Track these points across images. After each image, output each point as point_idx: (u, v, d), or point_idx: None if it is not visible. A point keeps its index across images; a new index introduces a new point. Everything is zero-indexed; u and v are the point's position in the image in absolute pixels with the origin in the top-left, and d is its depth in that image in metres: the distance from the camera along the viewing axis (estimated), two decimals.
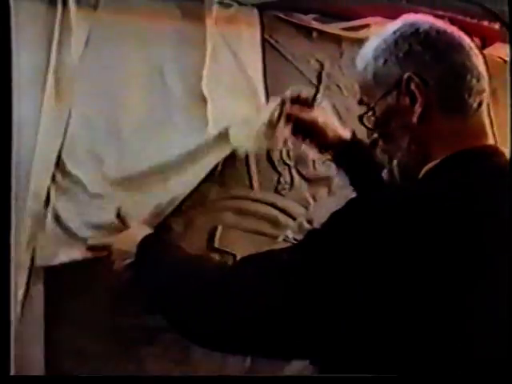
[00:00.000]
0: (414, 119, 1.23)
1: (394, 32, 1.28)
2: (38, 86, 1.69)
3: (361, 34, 2.01)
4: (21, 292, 1.63)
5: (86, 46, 1.73)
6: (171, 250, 1.51)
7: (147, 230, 1.59)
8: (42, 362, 1.66)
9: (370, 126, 1.33)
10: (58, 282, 1.70)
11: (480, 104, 1.25)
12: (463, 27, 1.31)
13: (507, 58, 2.14)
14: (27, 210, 1.63)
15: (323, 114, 1.77)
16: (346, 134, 1.78)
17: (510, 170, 1.25)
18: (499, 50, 2.17)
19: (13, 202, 1.60)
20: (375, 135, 1.34)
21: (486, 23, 2.09)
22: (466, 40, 1.27)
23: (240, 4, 1.87)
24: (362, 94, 1.36)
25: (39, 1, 1.69)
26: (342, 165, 1.83)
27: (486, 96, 1.27)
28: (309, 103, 1.75)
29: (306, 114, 1.74)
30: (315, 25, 1.98)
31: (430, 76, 1.23)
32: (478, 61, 1.26)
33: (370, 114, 1.31)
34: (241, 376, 1.75)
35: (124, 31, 1.77)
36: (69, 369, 1.73)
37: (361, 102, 1.36)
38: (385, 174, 1.34)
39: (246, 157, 1.89)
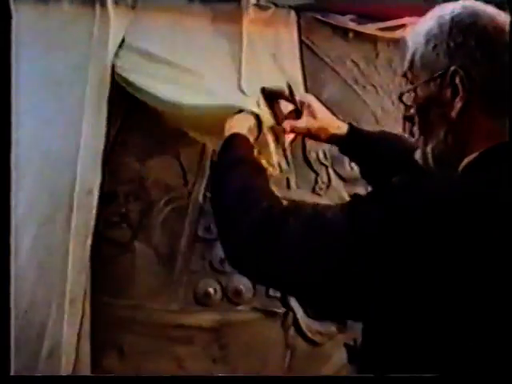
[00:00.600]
0: (453, 114, 1.20)
1: (452, 18, 1.21)
2: (78, 85, 1.72)
3: (397, 34, 2.01)
4: (67, 287, 1.67)
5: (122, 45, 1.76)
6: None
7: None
8: (88, 360, 1.70)
9: (408, 103, 1.30)
10: (101, 279, 1.75)
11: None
12: None
13: None
14: None
15: (314, 115, 1.71)
16: (343, 126, 1.73)
17: (509, 167, 1.21)
18: None
19: None
20: (413, 112, 1.30)
21: None
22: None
23: (277, 6, 1.89)
24: (408, 69, 1.31)
25: (77, 1, 1.73)
26: (349, 156, 1.80)
27: None
28: (289, 98, 1.72)
29: (299, 125, 1.70)
30: (351, 26, 1.98)
31: (477, 73, 1.18)
32: None
33: (412, 94, 1.29)
34: (241, 376, 1.75)
35: (160, 32, 1.80)
36: (110, 367, 1.77)
37: (405, 75, 1.34)
38: (418, 154, 1.30)
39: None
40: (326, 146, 1.96)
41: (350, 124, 1.72)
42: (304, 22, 1.93)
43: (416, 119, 1.30)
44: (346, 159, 1.98)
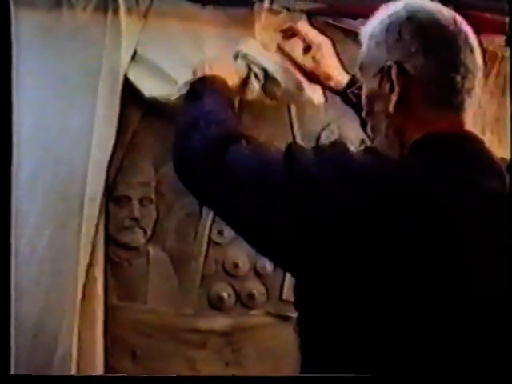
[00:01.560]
0: (390, 107, 1.24)
1: (390, 15, 1.27)
2: (89, 92, 1.73)
3: None
4: (79, 291, 1.68)
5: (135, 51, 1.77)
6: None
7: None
8: (101, 364, 1.70)
9: (354, 100, 1.38)
10: (114, 283, 1.76)
11: (462, 102, 1.23)
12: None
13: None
14: None
15: (319, 57, 1.76)
16: (344, 77, 1.76)
17: (510, 166, 1.27)
18: None
19: None
20: (363, 113, 1.35)
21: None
22: (464, 34, 1.24)
23: (289, 10, 1.89)
24: (358, 68, 1.36)
25: (89, 8, 1.74)
26: (349, 105, 1.79)
27: (473, 94, 1.24)
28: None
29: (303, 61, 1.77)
30: None
31: (413, 67, 1.22)
32: (471, 57, 1.23)
33: (356, 90, 1.36)
34: (241, 376, 1.76)
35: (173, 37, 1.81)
36: (123, 370, 1.78)
37: (353, 76, 1.39)
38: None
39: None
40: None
41: (352, 75, 1.73)
42: (316, 26, 1.94)
43: (366, 116, 1.35)
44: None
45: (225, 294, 1.87)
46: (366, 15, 1.95)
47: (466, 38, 1.24)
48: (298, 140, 1.93)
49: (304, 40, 1.78)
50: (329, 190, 1.13)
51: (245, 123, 1.79)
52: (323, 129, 1.97)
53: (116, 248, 1.77)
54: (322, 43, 1.78)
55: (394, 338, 1.12)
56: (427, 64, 1.22)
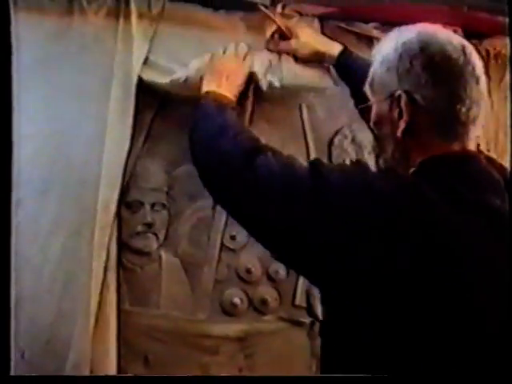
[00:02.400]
0: (398, 133, 1.30)
1: (404, 43, 1.32)
2: (101, 98, 1.74)
3: None
4: (93, 297, 1.68)
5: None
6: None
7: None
8: (114, 369, 1.70)
9: (367, 119, 1.39)
10: (127, 288, 1.76)
11: (467, 131, 1.29)
12: None
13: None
14: None
15: (298, 37, 1.83)
16: (336, 47, 1.83)
17: (511, 170, 1.35)
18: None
19: None
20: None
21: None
22: (472, 66, 1.29)
23: (301, 15, 1.89)
24: (369, 84, 1.40)
25: (101, 14, 1.74)
26: (340, 76, 1.86)
27: (477, 122, 1.30)
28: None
29: (284, 46, 1.83)
30: (375, 33, 1.98)
31: (422, 97, 1.27)
32: (477, 88, 1.29)
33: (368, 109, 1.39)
34: (241, 376, 1.76)
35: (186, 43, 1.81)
36: (136, 372, 1.77)
37: (362, 92, 1.43)
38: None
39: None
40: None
41: (344, 46, 1.82)
42: (328, 31, 1.93)
43: (375, 134, 1.41)
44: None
45: (237, 300, 1.86)
46: (378, 19, 1.98)
47: (474, 69, 1.29)
48: (311, 144, 1.92)
49: (285, 28, 1.84)
50: (352, 207, 1.21)
51: (257, 127, 1.78)
52: (336, 133, 1.96)
53: (128, 253, 1.77)
54: (301, 25, 1.86)
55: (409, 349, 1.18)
56: (436, 96, 1.27)
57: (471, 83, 1.28)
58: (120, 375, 1.69)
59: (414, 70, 1.28)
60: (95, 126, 1.73)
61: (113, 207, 1.72)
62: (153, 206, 1.80)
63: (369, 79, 1.40)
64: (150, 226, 1.79)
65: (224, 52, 1.79)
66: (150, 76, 1.75)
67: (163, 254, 1.82)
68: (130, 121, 1.74)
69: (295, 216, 1.25)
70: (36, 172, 1.68)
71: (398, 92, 1.29)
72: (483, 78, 1.31)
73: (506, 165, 1.49)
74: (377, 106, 1.36)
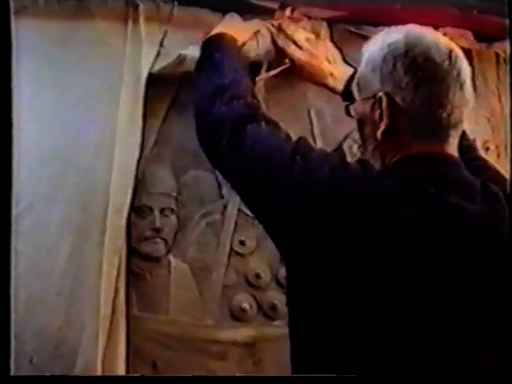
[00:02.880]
0: (378, 134, 1.33)
1: (389, 44, 1.34)
2: (110, 102, 1.74)
3: None
4: (102, 303, 1.67)
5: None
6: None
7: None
8: (122, 373, 1.69)
9: (353, 115, 1.42)
10: (135, 293, 1.76)
11: (447, 135, 1.31)
12: None
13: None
14: None
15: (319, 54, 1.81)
16: (347, 70, 1.80)
17: (511, 172, 1.42)
18: None
19: None
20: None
21: None
22: (457, 70, 1.30)
23: (309, 18, 1.88)
24: (354, 83, 1.43)
25: (109, 17, 1.74)
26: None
27: (459, 126, 1.33)
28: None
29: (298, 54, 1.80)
30: None
31: (402, 100, 1.29)
32: (460, 94, 1.30)
33: (352, 107, 1.42)
34: (241, 376, 1.74)
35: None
36: None
37: (348, 90, 1.50)
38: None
39: None
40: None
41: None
42: (337, 34, 1.93)
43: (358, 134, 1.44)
44: None
45: (246, 305, 1.85)
46: (387, 23, 1.96)
47: (459, 74, 1.31)
48: None
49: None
50: (320, 191, 1.26)
51: None
52: (345, 137, 1.95)
53: (137, 259, 1.76)
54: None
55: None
56: (416, 99, 1.29)
57: (454, 88, 1.29)
58: (121, 375, 1.68)
59: (397, 71, 1.30)
60: (103, 131, 1.72)
61: (125, 212, 1.72)
62: (162, 211, 1.79)
63: (355, 78, 1.43)
64: (158, 231, 1.78)
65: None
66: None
67: (172, 259, 1.81)
68: (139, 126, 1.74)
69: (271, 189, 1.30)
70: (44, 176, 1.67)
71: (380, 94, 1.31)
72: (468, 84, 1.33)
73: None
74: (361, 105, 1.39)
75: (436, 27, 1.96)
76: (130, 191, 1.72)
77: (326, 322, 1.27)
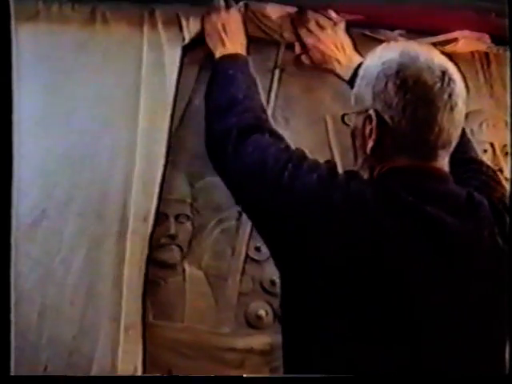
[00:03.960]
0: (367, 149, 1.36)
1: (383, 63, 1.36)
2: (126, 110, 1.73)
3: (448, 48, 1.96)
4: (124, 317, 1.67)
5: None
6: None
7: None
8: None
9: (348, 123, 1.45)
10: (150, 301, 1.75)
11: (435, 155, 1.34)
12: None
13: None
14: None
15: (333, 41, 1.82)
16: (355, 59, 1.81)
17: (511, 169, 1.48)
18: None
19: None
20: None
21: None
22: (449, 92, 1.31)
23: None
24: (352, 94, 1.45)
25: (124, 23, 1.74)
26: None
27: (448, 146, 1.35)
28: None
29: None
30: (401, 41, 1.95)
31: (391, 118, 1.32)
32: (450, 116, 1.31)
33: (347, 118, 1.45)
34: (240, 376, 1.73)
35: None
36: None
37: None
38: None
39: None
40: None
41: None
42: (353, 38, 1.91)
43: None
44: None
45: (262, 312, 1.83)
46: (403, 26, 1.95)
47: (450, 96, 1.32)
48: (336, 156, 1.90)
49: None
50: (307, 196, 1.31)
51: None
52: None
53: (152, 266, 1.74)
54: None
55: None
56: (403, 120, 1.31)
57: (443, 111, 1.31)
58: (121, 375, 1.66)
59: (388, 91, 1.32)
60: (119, 139, 1.71)
61: (150, 220, 1.71)
62: (177, 217, 1.78)
63: (354, 89, 1.45)
64: (173, 237, 1.77)
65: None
66: None
67: (187, 266, 1.80)
68: (165, 134, 1.72)
69: (262, 194, 1.36)
70: (59, 184, 1.66)
71: (371, 111, 1.34)
72: (461, 105, 1.34)
73: None
74: (354, 117, 1.42)
75: (453, 30, 1.97)
76: (155, 200, 1.71)
77: (314, 323, 1.32)
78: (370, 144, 1.35)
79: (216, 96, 1.62)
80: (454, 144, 1.36)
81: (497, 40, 2.01)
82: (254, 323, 1.83)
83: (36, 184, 1.65)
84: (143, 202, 1.70)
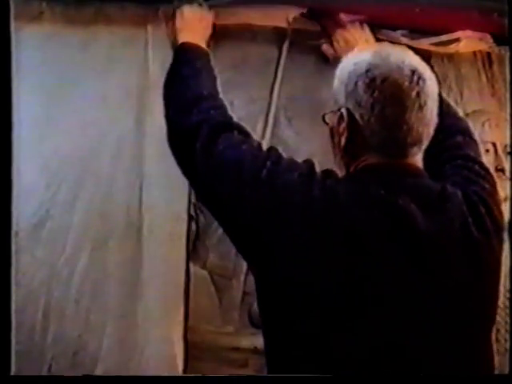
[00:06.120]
0: (341, 147, 1.38)
1: (355, 63, 1.37)
2: (130, 109, 1.74)
3: (450, 48, 1.97)
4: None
5: None
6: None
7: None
8: None
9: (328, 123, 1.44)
10: None
11: (405, 153, 1.34)
12: None
13: None
14: None
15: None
16: None
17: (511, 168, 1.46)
18: None
19: None
20: None
21: None
22: (417, 91, 1.31)
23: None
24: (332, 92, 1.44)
25: (127, 23, 1.74)
26: None
27: (418, 145, 1.34)
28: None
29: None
30: (404, 41, 1.94)
31: (361, 117, 1.33)
32: (419, 114, 1.32)
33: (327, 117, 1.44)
34: (240, 376, 1.73)
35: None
36: None
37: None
38: None
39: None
40: None
41: None
42: None
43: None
44: None
45: None
46: (406, 26, 1.96)
47: (418, 95, 1.32)
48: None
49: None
50: (288, 192, 1.31)
51: (285, 138, 1.78)
52: None
53: None
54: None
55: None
56: (372, 118, 1.32)
57: (411, 110, 1.31)
58: (126, 375, 1.66)
59: (357, 90, 1.33)
60: (123, 139, 1.72)
61: (185, 219, 1.75)
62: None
63: (332, 89, 1.45)
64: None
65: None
66: None
67: (191, 266, 1.80)
68: None
69: (238, 192, 1.34)
70: (64, 184, 1.68)
71: (343, 110, 1.35)
72: (430, 104, 1.34)
73: None
74: (331, 116, 1.42)
75: (455, 30, 1.97)
76: (186, 199, 1.75)
77: (292, 320, 1.31)
78: (343, 142, 1.37)
79: (180, 88, 1.58)
80: (425, 142, 1.37)
81: (499, 40, 2.01)
82: (258, 323, 1.82)
83: (40, 184, 1.66)
84: (176, 203, 1.74)
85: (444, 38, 1.98)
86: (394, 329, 1.27)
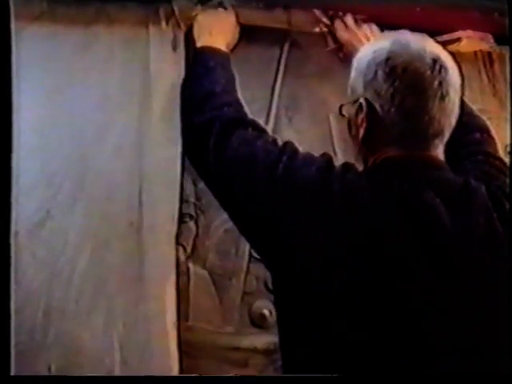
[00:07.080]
0: (359, 139, 1.36)
1: (374, 51, 1.34)
2: (131, 109, 1.73)
3: (451, 48, 1.97)
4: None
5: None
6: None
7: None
8: None
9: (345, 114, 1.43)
10: None
11: (427, 144, 1.32)
12: None
13: None
14: None
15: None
16: None
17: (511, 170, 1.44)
18: None
19: None
20: None
21: None
22: (439, 80, 1.29)
23: None
24: (348, 84, 1.43)
25: (128, 23, 1.74)
26: None
27: (441, 136, 1.33)
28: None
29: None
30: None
31: (381, 107, 1.31)
32: (442, 104, 1.29)
33: (344, 109, 1.43)
34: (240, 376, 1.73)
35: None
36: None
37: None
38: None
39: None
40: None
41: None
42: None
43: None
44: None
45: (266, 311, 1.83)
46: (408, 26, 1.94)
47: (440, 84, 1.30)
48: (339, 155, 1.89)
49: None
50: (306, 187, 1.29)
51: (286, 136, 1.77)
52: None
53: None
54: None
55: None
56: (393, 108, 1.30)
57: (433, 100, 1.29)
58: (126, 375, 1.67)
59: (377, 79, 1.31)
60: (124, 138, 1.71)
61: (176, 219, 1.74)
62: (181, 217, 1.78)
63: (350, 81, 1.43)
64: (177, 237, 1.77)
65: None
66: None
67: (191, 265, 1.80)
68: (178, 135, 1.70)
69: (253, 188, 1.33)
70: (64, 184, 1.67)
71: (361, 100, 1.33)
72: (452, 94, 1.31)
73: None
74: (348, 107, 1.40)
75: (456, 30, 1.97)
76: (177, 198, 1.74)
77: (311, 320, 1.29)
78: (361, 133, 1.34)
79: (193, 87, 1.59)
80: (447, 133, 1.34)
81: (500, 40, 2.01)
82: (258, 322, 1.84)
83: (40, 185, 1.65)
84: (166, 203, 1.73)
85: (445, 37, 1.98)
86: (418, 328, 1.24)
